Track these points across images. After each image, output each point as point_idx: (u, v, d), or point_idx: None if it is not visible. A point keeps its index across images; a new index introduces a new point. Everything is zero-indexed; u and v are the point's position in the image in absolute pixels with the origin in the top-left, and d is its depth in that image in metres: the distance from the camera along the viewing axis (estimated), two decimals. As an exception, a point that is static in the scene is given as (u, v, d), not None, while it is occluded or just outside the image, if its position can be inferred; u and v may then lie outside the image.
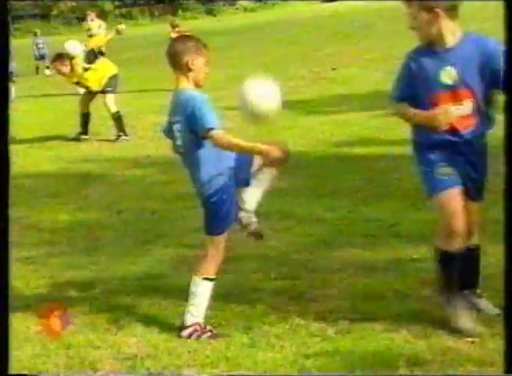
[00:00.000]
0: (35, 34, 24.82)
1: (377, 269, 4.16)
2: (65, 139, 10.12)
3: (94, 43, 14.51)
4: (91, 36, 15.77)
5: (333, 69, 15.87)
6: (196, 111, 3.36)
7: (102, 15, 18.25)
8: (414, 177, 6.16)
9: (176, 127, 3.50)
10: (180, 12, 62.04)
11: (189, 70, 3.46)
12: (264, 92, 3.38)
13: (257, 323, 3.60)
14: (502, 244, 4.30)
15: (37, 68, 23.10)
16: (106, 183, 7.32)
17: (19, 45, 23.17)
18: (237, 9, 66.92)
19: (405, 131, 8.65)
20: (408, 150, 7.69)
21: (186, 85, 3.50)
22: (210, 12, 62.83)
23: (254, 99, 3.32)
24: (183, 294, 4.07)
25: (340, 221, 5.24)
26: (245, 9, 61.70)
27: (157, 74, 19.02)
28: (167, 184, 6.95)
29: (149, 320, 3.76)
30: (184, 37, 3.76)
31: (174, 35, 16.75)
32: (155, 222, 5.74)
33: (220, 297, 3.99)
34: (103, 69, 9.99)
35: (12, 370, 2.66)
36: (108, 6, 51.80)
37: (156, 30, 29.81)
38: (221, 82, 15.88)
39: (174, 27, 17.39)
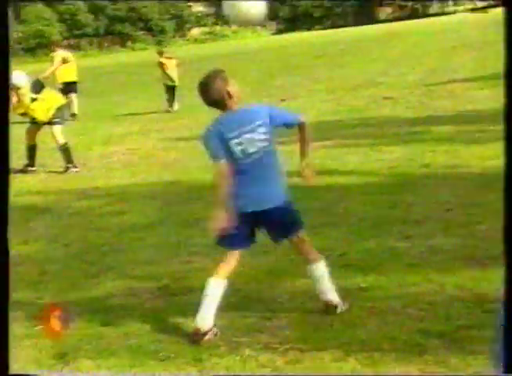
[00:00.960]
0: None
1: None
2: (11, 171, 9.95)
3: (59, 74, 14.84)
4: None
5: (282, 100, 16.07)
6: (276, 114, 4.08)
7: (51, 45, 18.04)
8: (361, 206, 6.29)
9: (242, 139, 3.79)
10: (129, 43, 62.03)
11: (231, 97, 3.84)
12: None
13: (206, 356, 3.57)
14: (447, 273, 4.40)
15: None
16: (53, 215, 7.21)
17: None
18: (187, 40, 67.28)
19: (352, 160, 8.84)
20: (355, 179, 7.86)
21: (235, 106, 3.88)
22: (159, 43, 62.95)
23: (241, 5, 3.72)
24: (132, 327, 4.03)
25: (288, 251, 5.25)
26: (195, 40, 62.12)
27: (106, 104, 18.96)
28: (116, 215, 6.89)
29: (96, 355, 3.69)
30: (213, 75, 3.90)
31: (163, 61, 17.34)
32: (103, 254, 5.67)
33: (169, 330, 3.96)
34: (50, 100, 9.89)
35: (12, 370, 2.63)
36: (56, 37, 51.42)
37: (105, 61, 29.74)
38: (175, 112, 15.92)
39: (161, 53, 17.95)
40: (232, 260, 3.92)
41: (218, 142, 3.77)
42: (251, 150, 3.81)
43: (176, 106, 16.84)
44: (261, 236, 5.70)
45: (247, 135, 3.80)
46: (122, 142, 12.08)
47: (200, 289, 4.53)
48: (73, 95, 16.41)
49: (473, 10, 58.57)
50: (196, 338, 3.76)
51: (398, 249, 5.00)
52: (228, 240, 3.83)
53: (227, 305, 4.20)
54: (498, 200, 6.29)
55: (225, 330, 3.87)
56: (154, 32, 68.37)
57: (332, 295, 3.97)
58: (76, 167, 9.69)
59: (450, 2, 74.74)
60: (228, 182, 3.73)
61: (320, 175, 7.78)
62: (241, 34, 66.33)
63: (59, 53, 16.67)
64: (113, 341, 3.87)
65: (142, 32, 67.96)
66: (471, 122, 10.24)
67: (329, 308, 3.96)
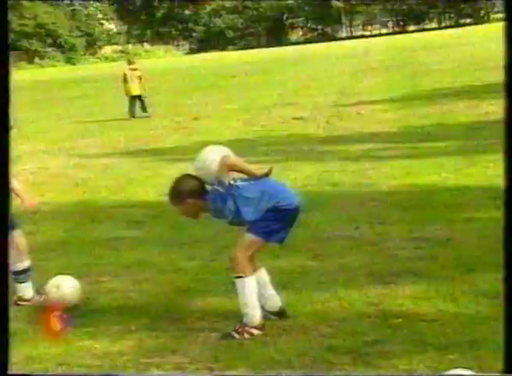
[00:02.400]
0: None
1: (237, 316, 4.19)
2: None
3: None
4: None
5: (195, 119, 16.10)
6: None
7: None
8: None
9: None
10: (37, 59, 60.63)
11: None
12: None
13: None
14: (355, 290, 4.50)
15: None
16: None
17: None
18: (98, 58, 66.43)
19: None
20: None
21: None
22: (69, 61, 61.88)
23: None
24: (38, 351, 3.90)
25: (201, 269, 5.25)
26: (106, 59, 61.40)
27: (13, 121, 18.37)
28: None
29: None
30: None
31: (127, 71, 17.83)
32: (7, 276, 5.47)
33: (76, 352, 3.86)
34: None
35: (12, 370, 2.50)
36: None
37: (12, 78, 28.85)
38: (85, 131, 15.63)
39: (130, 63, 18.62)
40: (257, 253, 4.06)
41: None
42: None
43: (144, 112, 17.42)
44: (174, 256, 5.69)
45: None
46: (30, 161, 11.74)
47: (110, 310, 4.47)
48: None
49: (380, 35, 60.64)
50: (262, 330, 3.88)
51: (307, 267, 5.08)
52: (271, 236, 4.01)
53: (138, 325, 4.15)
54: (403, 218, 6.55)
55: (135, 351, 3.81)
56: (64, 49, 67.10)
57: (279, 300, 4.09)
58: None
59: (365, 27, 77.24)
60: None
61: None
62: (154, 52, 66.06)
63: None
64: (17, 366, 3.72)
65: (51, 48, 66.54)
66: (378, 142, 10.58)
67: (283, 312, 4.05)
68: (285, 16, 79.23)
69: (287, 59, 37.82)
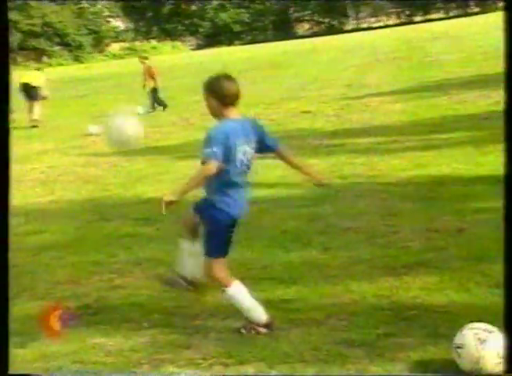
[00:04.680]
0: None
1: (250, 311, 4.19)
2: None
3: None
4: None
5: (203, 115, 16.08)
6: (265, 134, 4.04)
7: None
8: (283, 219, 6.35)
9: (247, 148, 3.87)
10: (45, 58, 60.79)
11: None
12: (124, 124, 4.02)
13: (128, 374, 3.51)
14: (367, 283, 4.48)
15: None
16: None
17: None
18: (106, 55, 66.53)
19: (273, 173, 8.92)
20: (277, 192, 7.93)
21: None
22: (77, 59, 62.04)
23: (116, 129, 4.01)
24: (51, 348, 3.92)
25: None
26: (114, 56, 61.46)
27: (20, 122, 18.44)
28: (34, 235, 6.70)
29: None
30: (229, 76, 3.97)
31: (143, 67, 18.51)
32: (19, 274, 5.48)
33: (91, 349, 3.88)
34: None
35: (12, 370, 2.53)
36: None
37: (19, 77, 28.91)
38: (87, 130, 15.65)
39: (144, 58, 19.41)
40: (225, 265, 3.98)
41: (223, 143, 3.75)
42: (244, 160, 3.87)
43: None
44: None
45: (246, 146, 3.87)
46: (40, 159, 11.79)
47: (122, 307, 4.48)
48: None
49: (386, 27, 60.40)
50: (270, 327, 3.87)
51: (318, 261, 5.07)
52: (225, 250, 3.94)
53: (150, 322, 4.16)
54: (414, 210, 6.52)
55: (148, 347, 3.82)
56: (71, 47, 67.24)
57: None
58: None
59: (371, 19, 76.92)
60: (204, 183, 3.83)
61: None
62: (161, 49, 66.07)
63: None
64: (29, 365, 3.76)
65: (58, 47, 66.71)
66: (387, 134, 10.54)
67: (270, 324, 3.93)
68: (291, 9, 79.06)
69: (294, 53, 37.74)
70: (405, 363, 3.35)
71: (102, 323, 4.21)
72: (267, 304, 4.27)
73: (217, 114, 3.93)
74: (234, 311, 4.20)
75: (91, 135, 13.90)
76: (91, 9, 74.89)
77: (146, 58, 19.49)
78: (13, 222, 7.51)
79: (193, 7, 79.11)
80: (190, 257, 4.10)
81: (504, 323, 2.46)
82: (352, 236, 5.61)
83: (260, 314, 3.89)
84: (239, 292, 3.91)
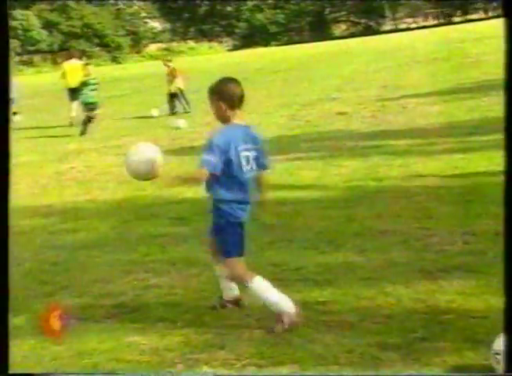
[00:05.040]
0: None
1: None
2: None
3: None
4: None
5: (238, 115, 16.12)
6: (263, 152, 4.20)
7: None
8: (317, 221, 6.33)
9: (251, 154, 4.04)
10: (84, 59, 61.45)
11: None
12: (144, 157, 4.10)
13: (164, 373, 3.53)
14: (402, 286, 4.44)
15: None
16: (6, 234, 7.06)
17: None
18: (143, 56, 67.14)
19: (308, 175, 8.89)
20: (311, 194, 7.90)
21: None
22: (114, 60, 62.71)
23: (135, 162, 4.08)
24: (87, 346, 3.96)
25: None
26: (150, 57, 61.96)
27: (60, 121, 18.71)
28: (69, 233, 6.79)
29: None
30: (235, 79, 4.15)
31: (167, 70, 18.58)
32: (57, 273, 5.57)
33: (126, 348, 3.90)
34: None
35: (12, 370, 2.58)
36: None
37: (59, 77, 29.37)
38: (131, 129, 15.80)
39: (168, 61, 19.33)
40: (243, 264, 4.10)
41: (224, 151, 3.89)
42: (248, 164, 4.02)
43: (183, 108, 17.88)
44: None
45: (248, 151, 4.02)
46: (77, 159, 11.94)
47: (157, 306, 4.51)
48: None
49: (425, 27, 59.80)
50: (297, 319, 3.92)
51: (353, 263, 5.04)
52: (240, 249, 4.06)
53: (184, 321, 4.18)
54: (451, 213, 6.44)
55: (182, 346, 3.83)
56: (110, 48, 68.02)
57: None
58: None
59: (410, 20, 76.22)
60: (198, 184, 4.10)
61: (277, 190, 7.84)
62: (197, 50, 66.45)
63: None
64: (68, 361, 3.80)
65: (97, 48, 67.54)
66: (424, 136, 10.43)
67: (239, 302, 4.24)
68: (328, 10, 78.77)
69: (330, 54, 37.59)
70: (440, 367, 3.30)
71: (137, 321, 4.24)
72: (301, 306, 4.26)
73: (224, 118, 4.04)
74: (268, 312, 4.20)
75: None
76: (129, 10, 75.67)
77: (170, 60, 19.46)
78: (50, 220, 7.67)
79: (229, 8, 79.35)
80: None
81: (504, 323, 2.43)
82: (388, 238, 5.56)
83: (289, 304, 3.96)
84: (263, 286, 4.01)
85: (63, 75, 18.16)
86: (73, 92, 17.21)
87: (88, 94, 15.82)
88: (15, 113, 20.29)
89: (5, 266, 2.42)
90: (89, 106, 15.68)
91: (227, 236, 4.02)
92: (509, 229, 2.39)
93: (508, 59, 2.59)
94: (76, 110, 17.32)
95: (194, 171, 4.02)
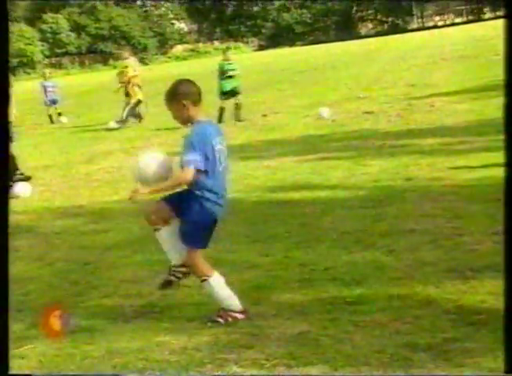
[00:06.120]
0: (44, 77, 21.82)
1: (312, 313, 4.18)
2: None
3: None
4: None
5: (264, 115, 16.12)
6: None
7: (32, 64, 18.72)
8: (345, 220, 6.30)
9: (222, 147, 4.11)
10: (111, 61, 62.06)
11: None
12: (148, 164, 4.12)
13: (193, 373, 3.54)
14: (432, 286, 4.40)
15: (51, 116, 20.69)
16: (37, 235, 7.15)
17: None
18: (169, 57, 67.51)
19: (335, 175, 8.87)
20: (339, 193, 7.87)
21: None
22: (141, 61, 63.05)
23: (142, 169, 4.15)
24: (117, 345, 3.99)
25: (274, 266, 5.25)
26: (177, 58, 62.34)
27: (87, 122, 18.89)
28: (99, 233, 6.85)
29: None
30: (187, 79, 4.25)
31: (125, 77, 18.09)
32: (87, 272, 5.62)
33: (156, 347, 3.93)
34: None
35: (12, 370, 2.62)
36: (38, 56, 51.31)
37: (87, 79, 29.68)
38: (158, 130, 15.89)
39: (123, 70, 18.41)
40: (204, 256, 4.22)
41: (203, 148, 3.95)
42: (223, 159, 4.10)
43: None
44: (248, 252, 5.71)
45: (221, 146, 4.10)
46: (106, 160, 12.04)
47: (185, 306, 4.53)
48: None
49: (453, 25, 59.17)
50: (246, 314, 4.15)
51: (382, 263, 5.01)
52: (206, 243, 4.19)
53: (212, 321, 4.18)
54: (481, 212, 6.37)
55: (211, 346, 3.84)
56: (137, 50, 68.52)
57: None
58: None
59: (436, 18, 75.49)
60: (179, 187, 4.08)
61: (304, 189, 7.83)
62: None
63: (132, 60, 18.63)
64: (98, 360, 3.83)
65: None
66: (452, 135, 10.33)
67: (246, 311, 4.21)
68: (354, 9, 78.42)
69: (357, 53, 37.41)
70: (472, 368, 3.27)
71: (167, 321, 4.26)
72: (329, 305, 4.25)
73: (189, 119, 4.09)
74: (297, 312, 4.20)
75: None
76: (157, 12, 76.11)
77: (127, 66, 18.25)
78: (79, 221, 7.74)
79: (256, 8, 79.39)
80: (174, 243, 4.24)
81: (504, 322, 2.40)
82: (417, 238, 5.52)
83: (237, 302, 4.14)
84: (219, 282, 4.14)
85: (120, 74, 18.46)
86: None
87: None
88: (60, 115, 20.61)
89: (5, 266, 2.43)
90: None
91: (199, 230, 4.09)
92: (509, 229, 2.38)
93: (508, 59, 2.57)
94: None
95: (178, 176, 4.00)
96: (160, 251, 5.98)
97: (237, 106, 15.57)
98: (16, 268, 5.99)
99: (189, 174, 3.93)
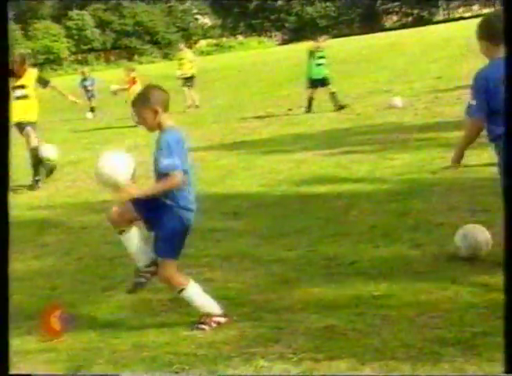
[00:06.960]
0: (83, 75, 22.01)
1: (339, 307, 4.17)
2: (19, 185, 9.96)
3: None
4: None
5: (289, 110, 16.10)
6: None
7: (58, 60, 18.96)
8: (371, 214, 6.27)
9: (189, 154, 4.10)
10: (136, 56, 62.37)
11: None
12: (114, 165, 4.11)
13: (221, 367, 3.56)
14: (460, 280, 4.36)
15: (92, 108, 21.10)
16: (64, 230, 7.22)
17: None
18: (193, 52, 67.68)
19: (361, 168, 8.81)
20: (364, 187, 7.83)
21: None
22: (166, 57, 63.27)
23: (107, 170, 4.05)
24: (145, 339, 4.02)
25: (300, 260, 5.25)
26: (201, 53, 62.40)
27: (111, 118, 18.97)
28: (126, 228, 6.88)
29: (109, 369, 3.68)
30: (157, 85, 4.28)
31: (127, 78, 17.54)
32: (115, 267, 5.67)
33: (182, 341, 3.95)
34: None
35: (12, 370, 2.65)
36: (63, 52, 51.72)
37: (112, 75, 29.81)
38: (182, 124, 15.93)
39: (131, 70, 18.00)
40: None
41: (179, 152, 3.96)
42: (191, 166, 4.09)
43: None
44: (274, 246, 5.71)
45: (189, 154, 4.09)
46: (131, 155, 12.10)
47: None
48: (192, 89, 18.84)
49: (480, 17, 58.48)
50: (226, 316, 4.11)
51: (409, 257, 4.98)
52: (179, 253, 4.11)
53: (239, 315, 4.19)
54: (509, 206, 6.25)
55: (238, 340, 3.85)
56: (161, 45, 68.79)
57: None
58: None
59: (460, 10, 74.65)
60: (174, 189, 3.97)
61: (329, 183, 7.80)
62: (247, 44, 66.59)
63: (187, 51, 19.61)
64: (126, 354, 3.86)
65: (148, 45, 68.33)
66: (480, 128, 10.20)
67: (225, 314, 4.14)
68: (379, 1, 77.82)
69: (382, 46, 37.14)
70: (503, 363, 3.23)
71: (194, 315, 4.27)
72: (356, 299, 4.23)
73: (159, 123, 4.08)
74: (323, 306, 4.19)
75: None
76: (180, 7, 76.30)
77: (134, 69, 17.84)
78: (104, 216, 7.76)
79: (280, 2, 79.21)
80: (140, 245, 4.20)
81: (504, 322, 2.37)
82: (444, 231, 5.47)
83: (216, 306, 4.11)
84: (196, 289, 4.11)
85: (180, 65, 19.09)
86: (188, 80, 18.61)
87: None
88: (92, 110, 20.84)
89: (5, 266, 2.45)
90: None
91: (174, 240, 4.04)
92: (509, 228, 2.34)
93: (508, 58, 2.55)
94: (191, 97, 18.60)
95: (167, 181, 3.95)
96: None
97: (333, 95, 15.05)
98: (42, 263, 6.07)
99: (179, 176, 3.91)
